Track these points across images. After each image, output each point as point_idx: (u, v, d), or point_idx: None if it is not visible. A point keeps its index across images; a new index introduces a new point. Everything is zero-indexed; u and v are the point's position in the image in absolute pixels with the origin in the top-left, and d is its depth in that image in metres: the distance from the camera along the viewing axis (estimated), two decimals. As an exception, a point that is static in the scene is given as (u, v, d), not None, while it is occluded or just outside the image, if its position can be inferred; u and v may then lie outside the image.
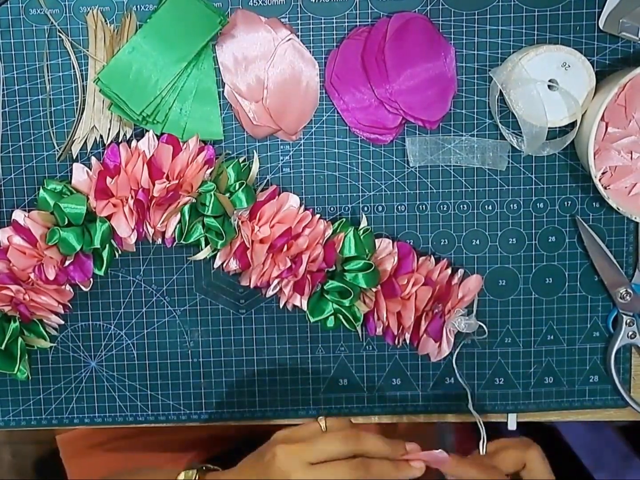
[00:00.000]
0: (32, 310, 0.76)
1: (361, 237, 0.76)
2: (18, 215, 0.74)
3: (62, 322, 0.79)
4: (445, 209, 0.80)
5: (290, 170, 0.79)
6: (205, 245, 0.75)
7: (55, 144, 0.78)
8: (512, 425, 0.85)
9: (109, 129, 0.77)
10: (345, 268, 0.76)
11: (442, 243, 0.81)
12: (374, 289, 0.76)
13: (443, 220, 0.80)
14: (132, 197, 0.73)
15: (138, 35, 0.74)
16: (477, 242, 0.81)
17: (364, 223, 0.78)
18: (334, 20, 0.77)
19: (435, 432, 1.10)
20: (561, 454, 1.19)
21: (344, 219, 0.78)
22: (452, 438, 1.12)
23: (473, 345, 0.82)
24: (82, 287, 0.77)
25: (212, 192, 0.73)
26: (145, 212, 0.74)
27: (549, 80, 0.74)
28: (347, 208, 0.80)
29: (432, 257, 0.79)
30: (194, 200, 0.74)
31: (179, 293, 0.82)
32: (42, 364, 0.83)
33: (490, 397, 0.84)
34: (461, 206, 0.80)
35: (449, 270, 0.79)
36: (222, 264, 0.76)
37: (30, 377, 0.80)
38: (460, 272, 0.79)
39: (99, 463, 0.99)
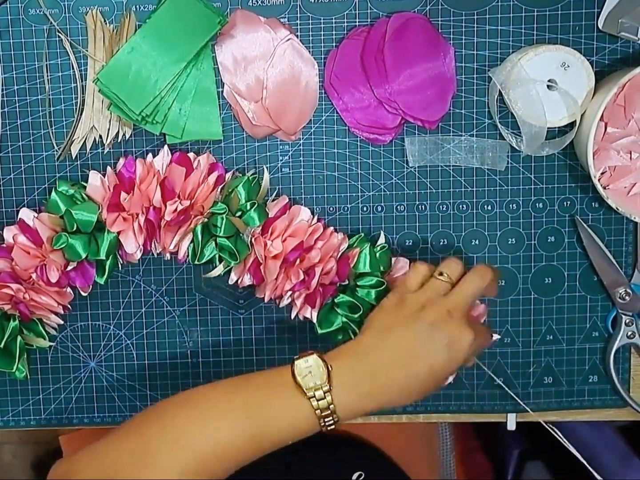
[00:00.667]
0: (31, 310, 0.76)
1: (377, 254, 0.76)
2: (26, 215, 0.74)
3: (62, 322, 0.79)
4: (444, 209, 0.80)
5: (289, 170, 0.79)
6: (219, 263, 0.75)
7: (55, 144, 0.78)
8: (511, 426, 0.85)
9: (108, 129, 0.77)
10: (358, 283, 0.76)
11: (441, 243, 0.81)
12: None
13: (442, 220, 0.80)
14: (143, 213, 0.73)
15: (137, 35, 0.74)
16: (477, 242, 0.81)
17: (381, 240, 0.78)
18: (333, 20, 0.77)
19: (435, 432, 1.10)
20: (561, 454, 1.19)
21: (362, 235, 0.78)
22: (452, 438, 1.12)
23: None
24: (81, 292, 0.77)
25: (223, 215, 0.73)
26: (155, 230, 0.74)
27: (548, 80, 0.74)
28: (346, 208, 0.80)
29: None
30: (205, 220, 0.74)
31: (178, 293, 0.82)
32: (41, 364, 0.83)
33: (490, 397, 0.84)
34: (460, 206, 0.80)
35: None
36: (237, 280, 0.76)
37: (29, 377, 0.80)
38: None
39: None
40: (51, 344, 0.79)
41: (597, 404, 0.84)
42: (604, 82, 0.75)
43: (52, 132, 0.78)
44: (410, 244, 0.81)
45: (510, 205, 0.80)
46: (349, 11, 0.76)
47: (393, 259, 0.78)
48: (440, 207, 0.80)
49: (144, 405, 0.84)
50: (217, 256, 0.75)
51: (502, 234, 0.81)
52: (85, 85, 0.77)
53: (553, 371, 0.83)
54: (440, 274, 0.70)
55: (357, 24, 0.77)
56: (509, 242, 0.81)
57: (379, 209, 0.80)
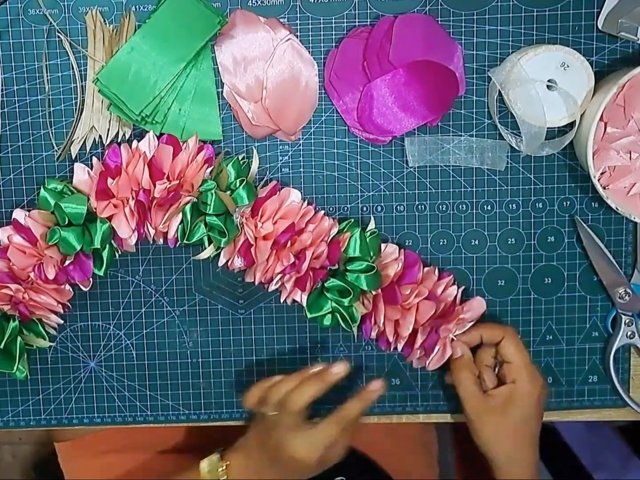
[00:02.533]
0: (31, 310, 0.76)
1: (367, 239, 0.76)
2: (18, 215, 0.74)
3: (62, 322, 0.79)
4: (444, 209, 0.80)
5: (289, 170, 0.79)
6: (209, 244, 0.75)
7: (55, 144, 0.78)
8: (511, 425, 0.85)
9: (108, 129, 0.77)
10: (348, 268, 0.76)
11: (441, 243, 0.81)
12: (374, 292, 0.76)
13: (442, 220, 0.80)
14: (132, 197, 0.73)
15: (137, 35, 0.74)
16: (476, 242, 0.81)
17: (371, 225, 0.78)
18: (333, 21, 0.77)
19: (434, 433, 1.10)
20: (561, 454, 1.19)
21: (352, 220, 0.78)
22: (451, 438, 1.12)
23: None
24: (82, 287, 0.77)
25: (213, 191, 0.73)
26: (146, 213, 0.74)
27: (548, 80, 0.74)
28: (346, 208, 0.80)
29: (437, 269, 0.79)
30: (195, 200, 0.74)
31: (178, 293, 0.82)
32: (41, 364, 0.83)
33: (490, 397, 0.84)
34: (460, 206, 0.80)
35: (455, 288, 0.78)
36: (227, 262, 0.76)
37: (29, 377, 0.80)
38: (460, 289, 0.79)
39: (97, 471, 0.99)
40: (51, 344, 0.79)
41: (597, 404, 0.84)
42: (604, 82, 0.75)
43: (52, 132, 0.78)
44: (410, 243, 0.81)
45: (510, 205, 0.80)
46: (348, 11, 0.76)
47: (383, 245, 0.78)
48: (440, 207, 0.80)
49: (144, 406, 0.84)
50: (206, 238, 0.75)
51: (502, 234, 0.81)
52: (85, 86, 0.77)
53: (553, 371, 0.83)
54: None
55: (357, 24, 0.77)
56: (509, 242, 0.81)
57: (379, 209, 0.80)
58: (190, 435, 0.96)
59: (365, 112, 0.77)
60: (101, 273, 0.75)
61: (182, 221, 0.74)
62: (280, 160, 0.79)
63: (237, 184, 0.74)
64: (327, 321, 0.77)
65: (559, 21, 0.76)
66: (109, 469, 0.97)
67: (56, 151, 0.78)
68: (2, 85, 0.77)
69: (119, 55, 0.74)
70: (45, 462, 1.51)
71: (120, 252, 0.77)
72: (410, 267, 0.77)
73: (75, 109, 0.77)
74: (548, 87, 0.75)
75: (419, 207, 0.80)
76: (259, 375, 0.83)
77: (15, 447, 1.56)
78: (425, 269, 0.78)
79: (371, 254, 0.76)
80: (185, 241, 0.75)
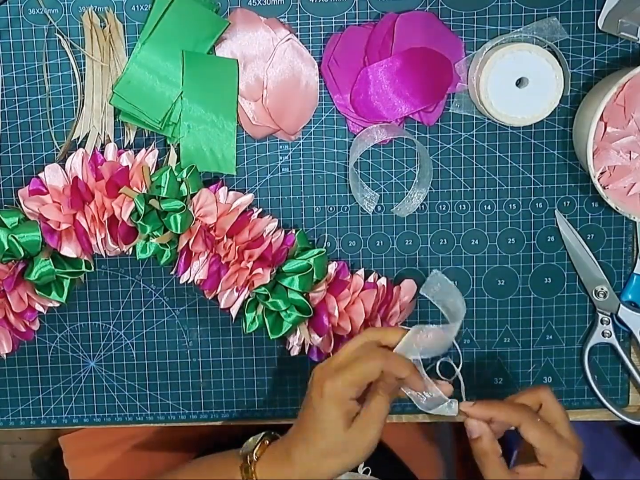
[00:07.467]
0: None
1: (314, 258, 0.76)
2: None
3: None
4: (444, 208, 0.80)
5: (289, 170, 0.79)
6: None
7: (56, 144, 0.78)
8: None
9: (106, 133, 0.77)
10: (283, 269, 0.76)
11: (441, 243, 0.81)
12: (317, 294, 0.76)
13: (442, 220, 0.80)
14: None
15: (146, 45, 0.74)
16: (476, 242, 0.81)
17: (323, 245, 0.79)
18: (333, 20, 0.77)
19: (434, 432, 1.10)
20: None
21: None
22: (452, 438, 1.12)
23: (472, 345, 0.82)
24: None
25: (166, 172, 0.72)
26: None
27: (520, 77, 0.74)
28: (346, 208, 0.80)
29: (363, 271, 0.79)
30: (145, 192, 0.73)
31: (178, 293, 0.82)
32: (41, 364, 0.83)
33: (490, 397, 0.84)
34: (460, 206, 0.80)
35: (384, 278, 0.79)
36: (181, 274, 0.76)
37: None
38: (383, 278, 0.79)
39: (102, 464, 0.99)
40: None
41: (597, 404, 0.84)
42: (604, 82, 0.75)
43: (52, 132, 0.78)
44: (410, 243, 0.81)
45: (510, 205, 0.80)
46: (349, 11, 0.76)
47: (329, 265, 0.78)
48: (440, 207, 0.80)
49: (144, 405, 0.84)
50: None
51: (502, 233, 0.81)
52: (84, 85, 0.77)
53: (553, 371, 0.83)
54: None
55: (357, 23, 0.77)
56: (509, 242, 0.81)
57: (379, 209, 0.80)
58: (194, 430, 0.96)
59: (360, 96, 0.76)
60: (62, 300, 0.74)
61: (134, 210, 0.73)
62: (280, 160, 0.79)
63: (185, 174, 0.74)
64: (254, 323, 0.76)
65: (559, 21, 0.76)
66: (115, 461, 0.97)
67: (57, 150, 0.78)
68: (2, 85, 0.77)
69: (130, 68, 0.74)
70: (45, 462, 1.51)
71: (89, 271, 0.75)
72: (341, 270, 0.78)
73: (75, 108, 0.77)
74: (518, 84, 0.74)
75: (419, 207, 0.80)
76: (259, 375, 0.83)
77: (15, 447, 1.56)
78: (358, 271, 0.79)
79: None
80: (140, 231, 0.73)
